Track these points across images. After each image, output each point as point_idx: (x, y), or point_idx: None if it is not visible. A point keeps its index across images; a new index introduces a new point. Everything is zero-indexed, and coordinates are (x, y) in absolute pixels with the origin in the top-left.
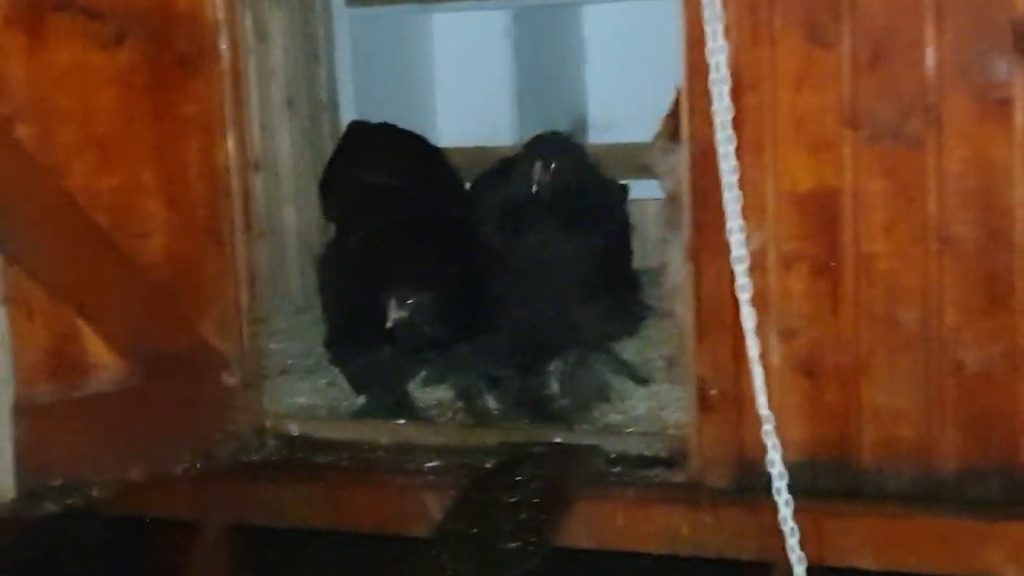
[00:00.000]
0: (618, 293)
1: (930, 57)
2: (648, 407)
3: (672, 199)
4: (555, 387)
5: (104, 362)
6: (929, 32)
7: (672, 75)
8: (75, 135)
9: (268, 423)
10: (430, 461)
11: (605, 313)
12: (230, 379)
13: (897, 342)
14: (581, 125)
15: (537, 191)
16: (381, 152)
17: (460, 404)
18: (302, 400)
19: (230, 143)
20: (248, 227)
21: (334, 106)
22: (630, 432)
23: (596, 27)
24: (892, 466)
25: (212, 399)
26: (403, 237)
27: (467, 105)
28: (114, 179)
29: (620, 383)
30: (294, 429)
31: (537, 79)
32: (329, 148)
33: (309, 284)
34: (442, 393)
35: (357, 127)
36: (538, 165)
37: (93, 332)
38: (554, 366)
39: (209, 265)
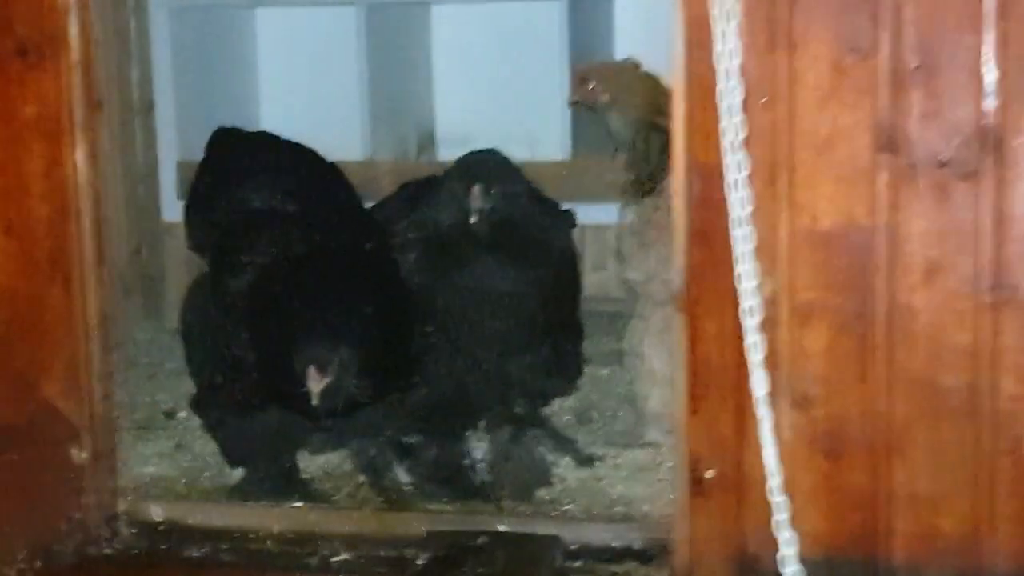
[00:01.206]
0: (559, 342)
1: (990, 70)
2: (581, 478)
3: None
4: (476, 456)
5: None
6: (989, 40)
7: (535, 87)
8: None
9: (121, 506)
10: (337, 555)
11: (543, 367)
12: (80, 454)
13: (939, 414)
14: (428, 139)
15: (476, 221)
16: (269, 169)
17: (362, 478)
18: (150, 470)
19: (79, 154)
20: (100, 260)
21: (148, 109)
22: (592, 518)
23: (446, 29)
24: (931, 565)
25: (57, 480)
26: (307, 276)
27: (303, 112)
28: None
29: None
30: (156, 513)
31: (387, 85)
32: (143, 157)
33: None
34: (337, 463)
35: (228, 136)
36: (476, 190)
37: None
38: (484, 436)
39: (54, 308)
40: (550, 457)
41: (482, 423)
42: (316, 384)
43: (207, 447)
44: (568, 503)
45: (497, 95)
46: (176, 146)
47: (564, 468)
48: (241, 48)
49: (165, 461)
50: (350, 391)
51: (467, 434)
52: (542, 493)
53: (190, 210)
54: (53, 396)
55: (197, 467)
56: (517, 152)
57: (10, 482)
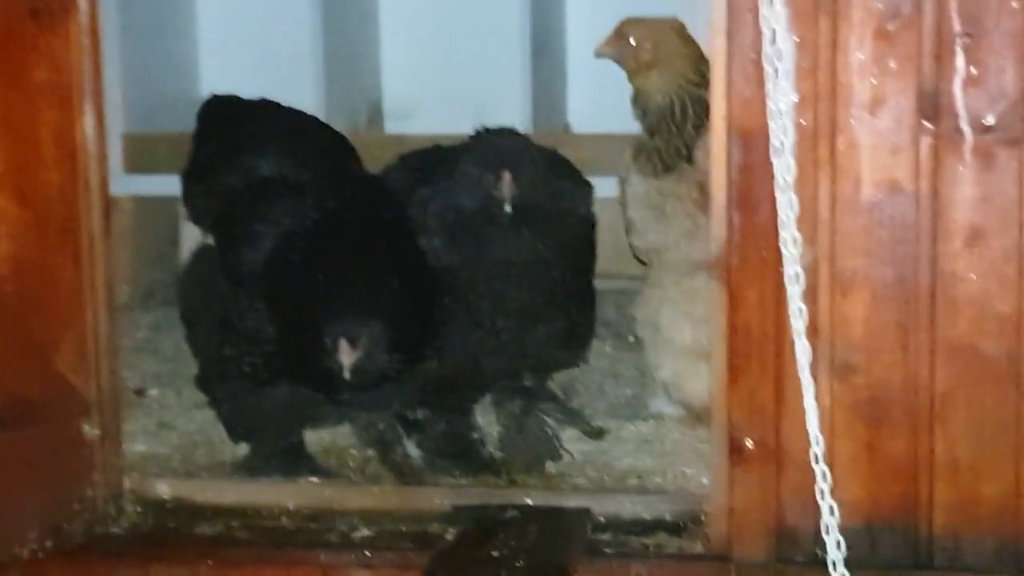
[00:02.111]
0: (572, 312)
1: None
2: (584, 451)
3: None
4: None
5: None
6: None
7: (492, 59)
8: None
9: (128, 483)
10: (356, 531)
11: (556, 338)
12: (92, 430)
13: (982, 381)
14: (375, 112)
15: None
16: (277, 137)
17: (370, 453)
18: (140, 448)
19: (88, 120)
20: (108, 229)
21: None
22: (622, 489)
23: None
24: (971, 533)
25: (69, 456)
26: (329, 246)
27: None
28: None
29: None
30: (163, 491)
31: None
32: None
33: None
34: (332, 439)
35: (225, 104)
36: (507, 178)
37: None
38: (492, 409)
39: (65, 280)
40: (556, 430)
41: (489, 396)
42: (348, 357)
43: (190, 425)
44: (577, 476)
45: (450, 68)
46: (121, 118)
47: (567, 441)
48: (184, 17)
49: (152, 439)
50: (379, 364)
51: (475, 407)
52: (549, 467)
53: (190, 181)
54: (65, 370)
55: (187, 445)
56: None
57: (24, 459)
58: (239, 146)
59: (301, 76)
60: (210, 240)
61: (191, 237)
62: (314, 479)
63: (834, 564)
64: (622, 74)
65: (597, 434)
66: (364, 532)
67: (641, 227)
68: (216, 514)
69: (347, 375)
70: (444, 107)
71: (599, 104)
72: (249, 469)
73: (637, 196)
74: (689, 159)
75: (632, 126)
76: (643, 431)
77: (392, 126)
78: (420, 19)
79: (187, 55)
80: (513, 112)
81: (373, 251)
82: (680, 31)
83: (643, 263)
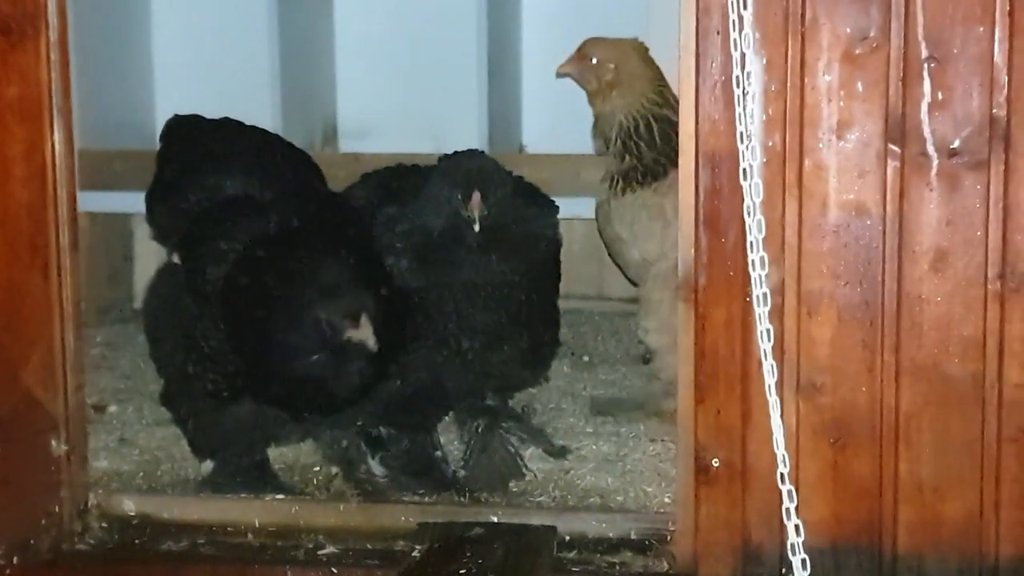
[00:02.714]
0: (537, 332)
1: (999, 58)
2: (545, 469)
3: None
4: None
5: None
6: (1001, 29)
7: (448, 79)
8: None
9: (93, 500)
10: (322, 548)
11: (520, 359)
12: (59, 446)
13: (946, 403)
14: (331, 131)
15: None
16: (241, 155)
17: (334, 471)
18: (102, 464)
19: (57, 136)
20: (75, 245)
21: None
22: (585, 508)
23: (350, 16)
24: (935, 553)
25: (36, 473)
26: (303, 251)
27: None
28: None
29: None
30: (128, 507)
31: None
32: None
33: None
34: (295, 456)
35: (188, 124)
36: (477, 199)
37: None
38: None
39: (34, 296)
40: (519, 449)
41: (451, 415)
42: (365, 328)
43: (151, 442)
44: (540, 495)
45: (405, 87)
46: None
47: (529, 460)
48: (139, 36)
49: (114, 456)
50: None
51: (438, 426)
52: (512, 485)
53: (155, 200)
54: (32, 386)
55: (148, 461)
56: (423, 147)
57: None
58: (204, 165)
59: (257, 95)
60: (175, 258)
61: (145, 254)
62: (280, 496)
63: None
64: (577, 95)
65: (559, 453)
66: (330, 549)
67: (635, 240)
68: (181, 531)
69: (372, 344)
70: (400, 127)
71: (554, 125)
72: (214, 486)
73: (622, 213)
74: (665, 172)
75: (586, 147)
76: (604, 450)
77: (347, 145)
78: (376, 39)
79: (142, 73)
80: (469, 132)
81: (343, 263)
82: (641, 52)
83: (634, 284)
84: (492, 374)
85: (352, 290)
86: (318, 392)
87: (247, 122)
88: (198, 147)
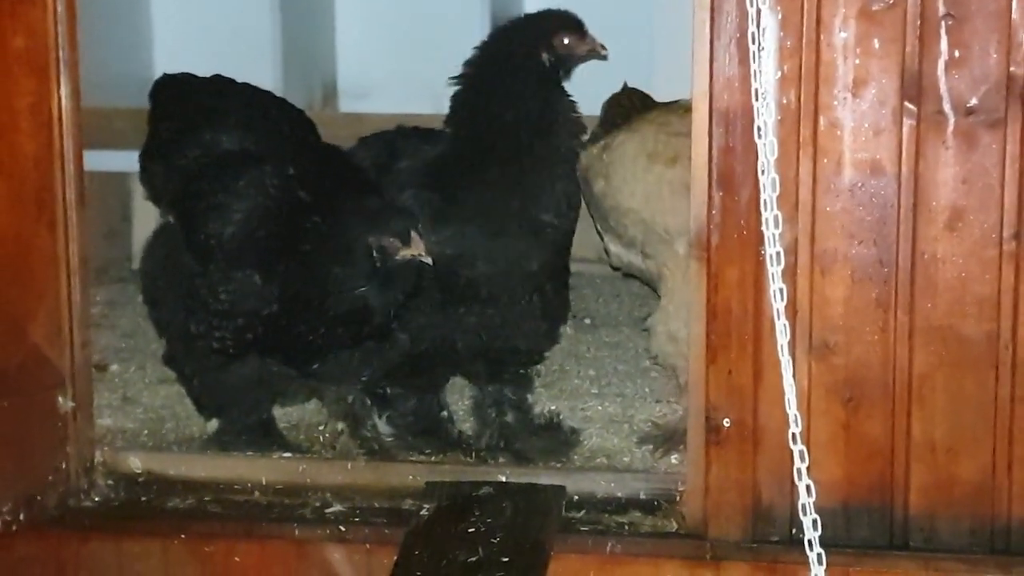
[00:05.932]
0: (549, 295)
1: (1017, 16)
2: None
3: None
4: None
5: None
6: None
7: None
8: None
9: (99, 457)
10: (330, 506)
11: (532, 326)
12: (66, 402)
13: (960, 362)
14: (331, 91)
15: None
16: (235, 110)
17: (340, 428)
18: (107, 422)
19: (64, 90)
20: (82, 200)
21: None
22: (593, 468)
23: None
24: (947, 514)
25: (44, 429)
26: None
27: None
28: None
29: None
30: (135, 464)
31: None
32: None
33: None
34: (300, 416)
35: (176, 81)
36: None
37: None
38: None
39: (40, 250)
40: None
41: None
42: (417, 244)
43: (155, 400)
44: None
45: (405, 47)
46: None
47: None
48: None
49: (118, 414)
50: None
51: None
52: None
53: (148, 160)
54: (40, 341)
55: (153, 419)
56: (423, 108)
57: (1, 429)
58: (198, 122)
59: (257, 55)
60: (169, 218)
61: (144, 213)
62: (287, 454)
63: (810, 544)
64: None
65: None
66: (338, 507)
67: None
68: (188, 488)
69: (426, 259)
70: (400, 87)
71: None
72: (220, 444)
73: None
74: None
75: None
76: (610, 411)
77: (347, 105)
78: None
79: (142, 33)
80: None
81: (374, 191)
82: None
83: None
84: (503, 335)
85: (394, 211)
86: (364, 320)
87: (246, 82)
88: (190, 105)
